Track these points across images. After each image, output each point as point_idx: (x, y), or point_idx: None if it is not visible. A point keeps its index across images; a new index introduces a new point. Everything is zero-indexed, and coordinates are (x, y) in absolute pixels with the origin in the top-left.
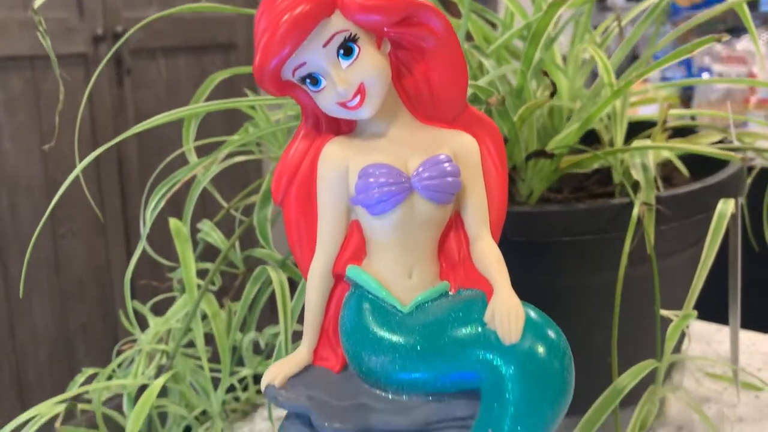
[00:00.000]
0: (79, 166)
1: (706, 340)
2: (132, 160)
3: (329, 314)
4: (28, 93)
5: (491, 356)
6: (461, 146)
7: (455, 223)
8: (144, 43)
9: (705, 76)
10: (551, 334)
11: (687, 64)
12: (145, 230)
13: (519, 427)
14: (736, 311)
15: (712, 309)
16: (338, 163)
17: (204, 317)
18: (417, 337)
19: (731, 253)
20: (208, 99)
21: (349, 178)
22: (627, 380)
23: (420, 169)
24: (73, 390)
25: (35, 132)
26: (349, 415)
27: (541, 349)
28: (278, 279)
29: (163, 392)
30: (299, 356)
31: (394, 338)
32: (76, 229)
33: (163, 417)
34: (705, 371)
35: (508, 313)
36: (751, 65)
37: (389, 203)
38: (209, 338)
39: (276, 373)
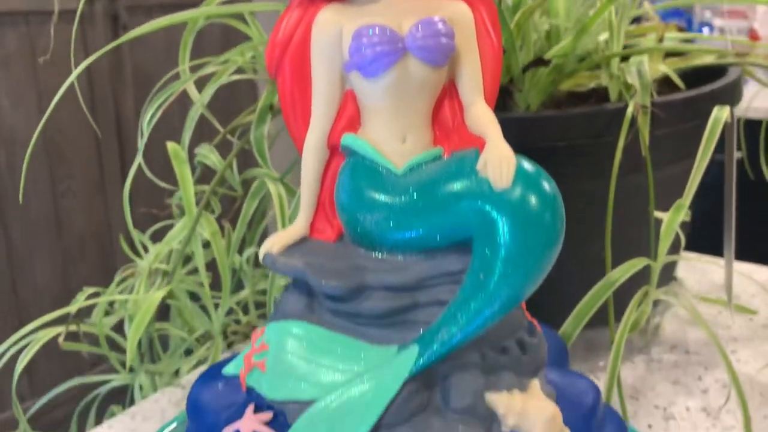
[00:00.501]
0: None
1: (701, 271)
2: (130, 118)
3: (325, 187)
4: (23, 49)
5: (483, 203)
6: (455, 13)
7: (449, 92)
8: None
9: (705, 31)
10: (544, 183)
11: (688, 21)
12: (142, 142)
13: (510, 269)
14: (730, 237)
15: (708, 244)
16: (332, 29)
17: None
18: (411, 194)
19: (726, 168)
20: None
21: (343, 43)
22: (619, 273)
23: (414, 30)
24: (76, 304)
25: (32, 89)
26: (345, 275)
27: (533, 196)
28: (277, 192)
29: (165, 317)
30: (296, 228)
31: (389, 197)
32: (75, 188)
33: (164, 342)
34: (700, 296)
35: (499, 159)
36: (752, 20)
37: (383, 63)
38: (209, 266)
39: (274, 242)
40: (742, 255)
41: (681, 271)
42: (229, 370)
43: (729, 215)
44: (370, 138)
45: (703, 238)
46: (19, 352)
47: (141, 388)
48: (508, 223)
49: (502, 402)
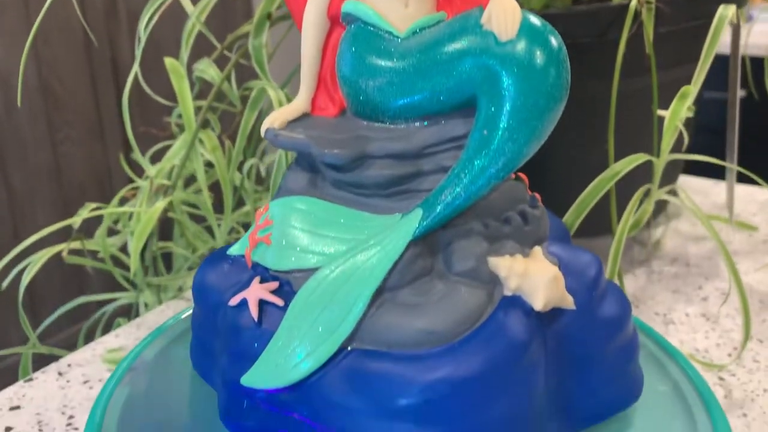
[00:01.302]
0: None
1: (702, 193)
2: (126, 64)
3: (326, 61)
4: None
5: (487, 57)
6: None
7: None
8: None
9: None
10: (550, 37)
11: None
12: (139, 49)
13: (514, 123)
14: (733, 152)
15: (710, 167)
16: None
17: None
18: (413, 55)
19: (731, 79)
20: None
21: None
22: (622, 166)
23: None
24: (79, 217)
25: (25, 33)
26: (347, 144)
27: (538, 49)
28: (277, 98)
29: (168, 236)
30: (298, 104)
31: (391, 61)
32: (74, 135)
33: (167, 262)
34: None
35: (504, 11)
36: None
37: None
38: (211, 188)
39: (275, 117)
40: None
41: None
42: (234, 250)
43: (732, 128)
44: (371, 3)
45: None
46: (20, 274)
47: (146, 305)
48: (512, 75)
49: (505, 265)
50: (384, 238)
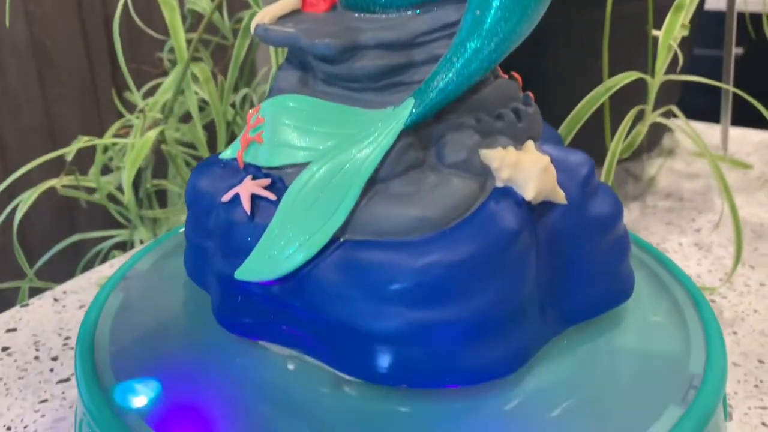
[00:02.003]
0: None
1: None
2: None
3: None
4: None
5: None
6: None
7: None
8: None
9: None
10: None
11: None
12: None
13: (507, 1)
14: (728, 96)
15: (705, 111)
16: None
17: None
18: None
19: (727, 20)
20: None
21: None
22: (616, 81)
23: None
24: (71, 148)
25: None
26: (338, 35)
27: None
28: None
29: (163, 174)
30: (288, 0)
31: None
32: (67, 94)
33: (162, 201)
34: (695, 152)
35: None
36: None
37: None
38: (204, 128)
39: (265, 13)
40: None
41: (677, 135)
42: (225, 154)
43: (728, 61)
44: None
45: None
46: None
47: (141, 242)
48: None
49: (497, 156)
50: (375, 130)
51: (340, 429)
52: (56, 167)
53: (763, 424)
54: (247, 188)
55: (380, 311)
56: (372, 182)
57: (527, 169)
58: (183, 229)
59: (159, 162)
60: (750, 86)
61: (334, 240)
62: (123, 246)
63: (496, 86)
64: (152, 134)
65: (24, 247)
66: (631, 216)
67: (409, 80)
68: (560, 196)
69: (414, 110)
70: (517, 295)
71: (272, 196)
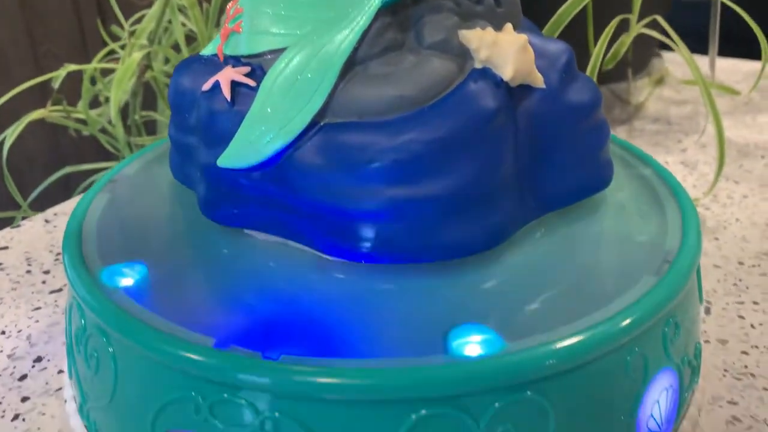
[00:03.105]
0: None
1: (685, 65)
2: None
3: None
4: None
5: None
6: None
7: None
8: None
9: None
10: None
11: None
12: None
13: None
14: (715, 25)
15: (693, 40)
16: None
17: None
18: None
19: None
20: None
21: None
22: None
23: None
24: (61, 72)
25: None
26: None
27: None
28: None
29: (152, 106)
30: None
31: None
32: (56, 50)
33: (151, 131)
34: (683, 80)
35: None
36: None
37: None
38: None
39: None
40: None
41: (666, 63)
42: (206, 50)
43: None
44: None
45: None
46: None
47: None
48: None
49: (475, 36)
50: (352, 11)
51: (327, 308)
52: (49, 128)
53: (740, 316)
54: (226, 75)
55: (361, 191)
56: (350, 64)
57: (505, 49)
58: (165, 143)
59: (148, 94)
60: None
61: (313, 124)
62: None
63: None
64: (137, 56)
65: (15, 181)
66: None
67: None
68: (538, 80)
69: None
70: (494, 173)
71: (252, 83)
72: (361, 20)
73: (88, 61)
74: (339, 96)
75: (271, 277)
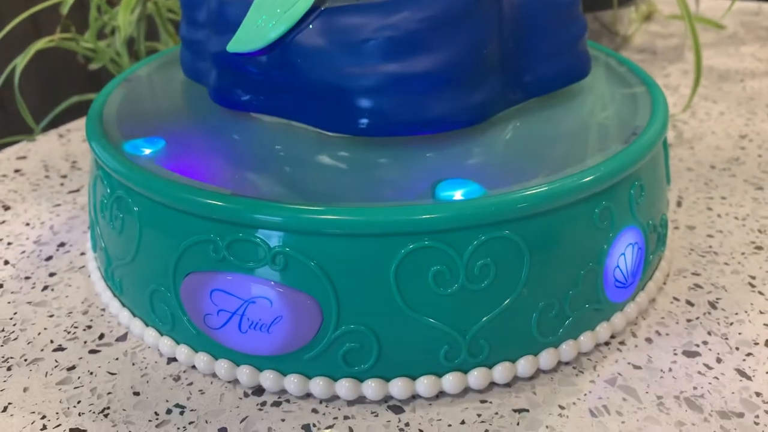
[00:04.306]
0: None
1: (673, 4)
2: None
3: None
4: None
5: None
6: None
7: None
8: None
9: None
10: None
11: None
12: None
13: None
14: None
15: None
16: None
17: None
18: None
19: None
20: None
21: None
22: None
23: None
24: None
25: None
26: None
27: None
28: None
29: (154, 37)
30: None
31: None
32: None
33: None
34: (671, 15)
35: None
36: None
37: None
38: None
39: None
40: None
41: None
42: None
43: None
44: None
45: None
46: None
47: None
48: None
49: None
50: None
51: (329, 178)
52: (46, 88)
53: (708, 208)
54: None
55: (358, 68)
56: None
57: None
58: (176, 50)
59: (148, 27)
60: None
61: (314, 8)
62: None
63: None
64: None
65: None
66: None
67: None
68: None
69: None
70: (479, 52)
71: None
72: None
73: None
74: None
75: (279, 150)
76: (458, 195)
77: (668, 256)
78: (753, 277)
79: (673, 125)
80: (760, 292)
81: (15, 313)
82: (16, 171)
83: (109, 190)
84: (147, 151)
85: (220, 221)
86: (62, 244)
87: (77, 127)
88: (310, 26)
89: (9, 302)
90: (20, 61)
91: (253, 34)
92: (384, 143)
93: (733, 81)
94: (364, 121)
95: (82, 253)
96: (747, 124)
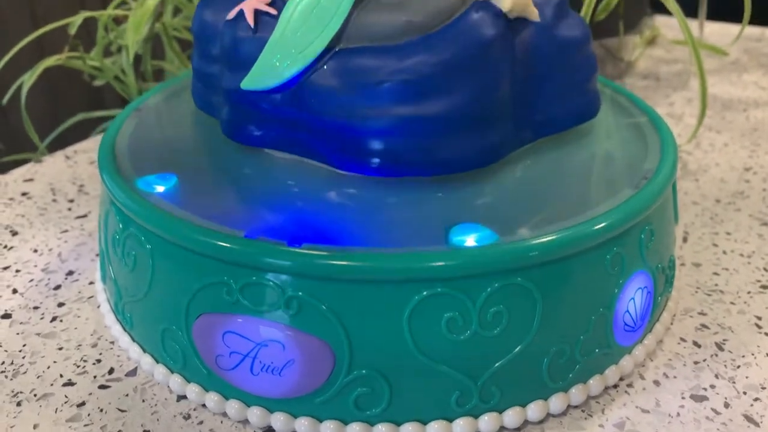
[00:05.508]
0: None
1: (676, 29)
2: None
3: None
4: None
5: None
6: None
7: None
8: None
9: None
10: None
11: None
12: None
13: None
14: None
15: (686, 4)
16: None
17: None
18: None
19: None
20: None
21: None
22: None
23: None
24: (78, 17)
25: None
26: None
27: None
28: None
29: (159, 56)
30: None
31: None
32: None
33: (158, 78)
34: (674, 40)
35: None
36: None
37: None
38: None
39: None
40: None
41: (657, 24)
42: None
43: None
44: None
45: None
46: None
47: None
48: None
49: None
50: None
51: (337, 214)
52: (48, 94)
53: (714, 244)
54: (250, 4)
55: (371, 109)
56: None
57: None
58: (185, 77)
59: (155, 44)
60: None
61: (329, 49)
62: None
63: None
64: (152, 2)
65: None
66: None
67: None
68: (534, 13)
69: None
70: (491, 95)
71: (273, 11)
72: None
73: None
74: (352, 23)
75: (290, 187)
76: (471, 240)
77: (675, 296)
78: (759, 318)
79: (678, 156)
80: (767, 334)
81: (24, 345)
82: (24, 194)
83: (121, 226)
84: (160, 188)
85: (234, 264)
86: (70, 273)
87: (83, 148)
88: (325, 66)
89: (18, 333)
90: (27, 79)
91: (268, 72)
92: (396, 183)
93: (736, 110)
94: (376, 161)
95: (91, 282)
96: (751, 156)
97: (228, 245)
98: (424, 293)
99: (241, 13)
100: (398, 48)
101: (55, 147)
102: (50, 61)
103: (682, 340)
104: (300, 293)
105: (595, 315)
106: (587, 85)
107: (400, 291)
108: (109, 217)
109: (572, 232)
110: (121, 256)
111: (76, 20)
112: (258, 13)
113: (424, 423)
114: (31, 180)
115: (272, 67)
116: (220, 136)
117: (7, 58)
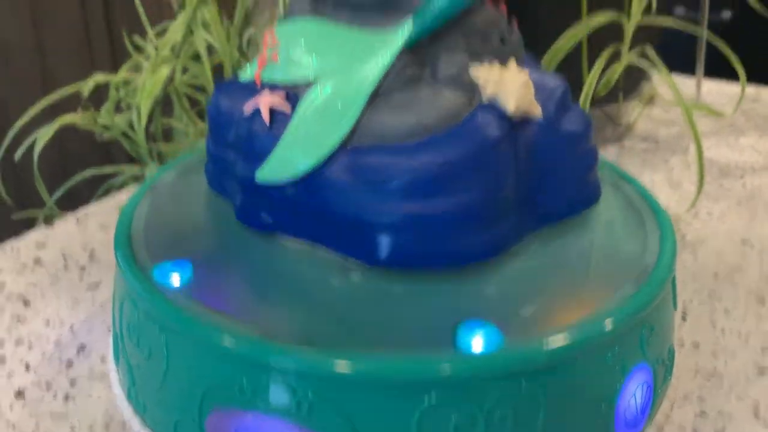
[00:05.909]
0: None
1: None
2: None
3: None
4: None
5: None
6: None
7: None
8: None
9: None
10: None
11: None
12: None
13: None
14: (701, 52)
15: (681, 63)
16: None
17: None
18: None
19: None
20: None
21: None
22: (597, 19)
23: None
24: (90, 81)
25: None
26: None
27: None
28: None
29: (168, 113)
30: None
31: None
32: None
33: (167, 138)
34: (672, 101)
35: None
36: None
37: None
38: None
39: None
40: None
41: (656, 84)
42: (245, 75)
43: (703, 21)
44: None
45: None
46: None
47: None
48: None
49: (483, 73)
50: (378, 49)
51: (346, 305)
52: (48, 114)
53: (712, 324)
54: (265, 100)
55: (381, 205)
56: (374, 95)
57: (509, 86)
58: (198, 153)
59: (164, 102)
60: (741, 49)
61: (341, 146)
62: (135, 181)
63: (483, 13)
64: (165, 70)
65: (31, 183)
66: (608, 156)
67: (408, 5)
68: (537, 111)
69: (411, 31)
70: (497, 193)
71: (287, 109)
72: (385, 57)
73: (91, 54)
74: (364, 122)
75: (300, 277)
76: (478, 339)
77: (675, 383)
78: (757, 405)
79: (677, 228)
80: (765, 424)
81: (36, 425)
82: (36, 261)
83: (137, 316)
84: (176, 280)
85: (247, 364)
86: (82, 347)
87: (94, 211)
88: (337, 163)
89: (31, 414)
90: (42, 136)
91: (282, 167)
92: (403, 273)
93: (733, 177)
94: (384, 253)
95: (102, 358)
96: (747, 227)
97: (239, 346)
98: (434, 397)
99: (257, 111)
100: (408, 148)
101: (62, 201)
102: (66, 119)
103: (682, 428)
104: (310, 394)
105: (599, 412)
106: (588, 175)
107: (409, 394)
108: (125, 305)
109: (578, 335)
110: (136, 344)
111: (88, 84)
112: (272, 111)
113: None
114: (43, 246)
115: (286, 163)
116: (232, 218)
117: (21, 122)
